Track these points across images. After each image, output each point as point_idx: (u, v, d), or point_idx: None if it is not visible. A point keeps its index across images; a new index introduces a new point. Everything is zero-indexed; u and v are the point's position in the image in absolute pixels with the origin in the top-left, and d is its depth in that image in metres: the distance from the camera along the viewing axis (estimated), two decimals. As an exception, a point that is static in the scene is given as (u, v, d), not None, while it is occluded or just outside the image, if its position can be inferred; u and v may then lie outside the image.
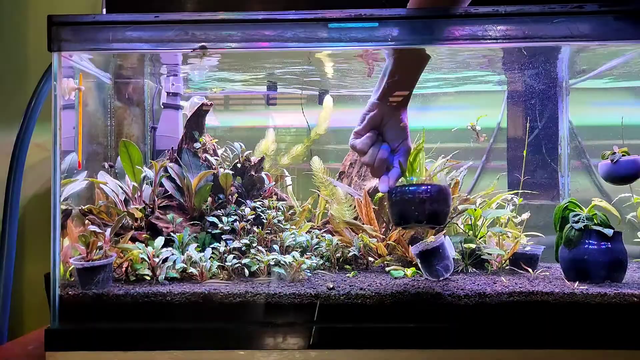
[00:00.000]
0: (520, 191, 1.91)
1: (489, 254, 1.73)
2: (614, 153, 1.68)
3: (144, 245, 1.63)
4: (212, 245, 1.70)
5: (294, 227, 1.86)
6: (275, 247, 1.73)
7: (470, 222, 1.80)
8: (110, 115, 2.08)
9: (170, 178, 1.84)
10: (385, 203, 1.66)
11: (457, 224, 1.87)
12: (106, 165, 1.93)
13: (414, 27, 1.48)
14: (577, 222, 1.61)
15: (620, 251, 1.58)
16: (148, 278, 1.59)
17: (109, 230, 1.61)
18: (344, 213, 1.92)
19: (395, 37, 1.47)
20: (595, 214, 1.63)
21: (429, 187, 1.38)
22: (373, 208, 1.88)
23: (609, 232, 1.56)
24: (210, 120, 2.06)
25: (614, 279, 1.57)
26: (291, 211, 1.95)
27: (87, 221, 1.70)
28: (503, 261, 1.75)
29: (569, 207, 1.68)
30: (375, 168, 1.43)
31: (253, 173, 1.95)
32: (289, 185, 2.17)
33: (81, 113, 1.76)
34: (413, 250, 1.66)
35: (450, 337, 1.44)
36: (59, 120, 1.51)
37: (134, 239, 1.70)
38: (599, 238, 1.58)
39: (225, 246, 1.69)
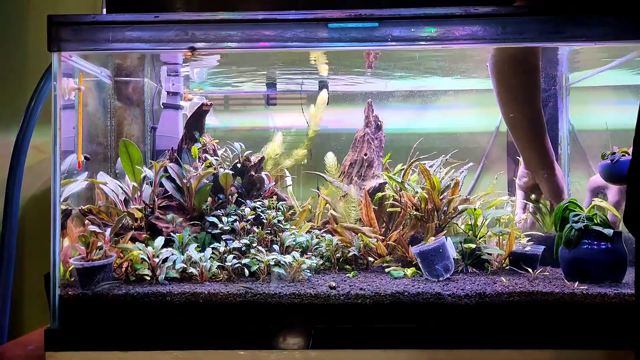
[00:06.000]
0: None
1: (489, 254, 1.72)
2: (614, 153, 1.68)
3: (144, 245, 1.63)
4: (212, 246, 1.70)
5: (293, 227, 1.86)
6: (275, 247, 1.73)
7: (470, 222, 1.80)
8: (110, 115, 2.08)
9: (170, 178, 1.84)
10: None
11: (457, 224, 1.87)
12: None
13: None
14: (577, 222, 1.61)
15: (620, 251, 1.58)
16: (148, 278, 1.59)
17: (109, 230, 1.61)
18: (349, 212, 1.92)
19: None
20: (595, 214, 1.63)
21: None
22: (373, 208, 1.88)
23: (609, 232, 1.56)
24: (210, 120, 2.06)
25: (613, 279, 1.57)
26: (291, 211, 1.94)
27: (87, 221, 1.70)
28: (503, 261, 1.74)
29: (569, 207, 1.67)
30: None
31: (253, 173, 1.95)
32: (289, 185, 2.16)
33: (81, 113, 1.76)
34: (414, 250, 1.66)
35: (451, 337, 1.45)
36: (59, 120, 1.51)
37: (134, 239, 1.70)
38: (599, 238, 1.57)
39: (225, 246, 1.69)
